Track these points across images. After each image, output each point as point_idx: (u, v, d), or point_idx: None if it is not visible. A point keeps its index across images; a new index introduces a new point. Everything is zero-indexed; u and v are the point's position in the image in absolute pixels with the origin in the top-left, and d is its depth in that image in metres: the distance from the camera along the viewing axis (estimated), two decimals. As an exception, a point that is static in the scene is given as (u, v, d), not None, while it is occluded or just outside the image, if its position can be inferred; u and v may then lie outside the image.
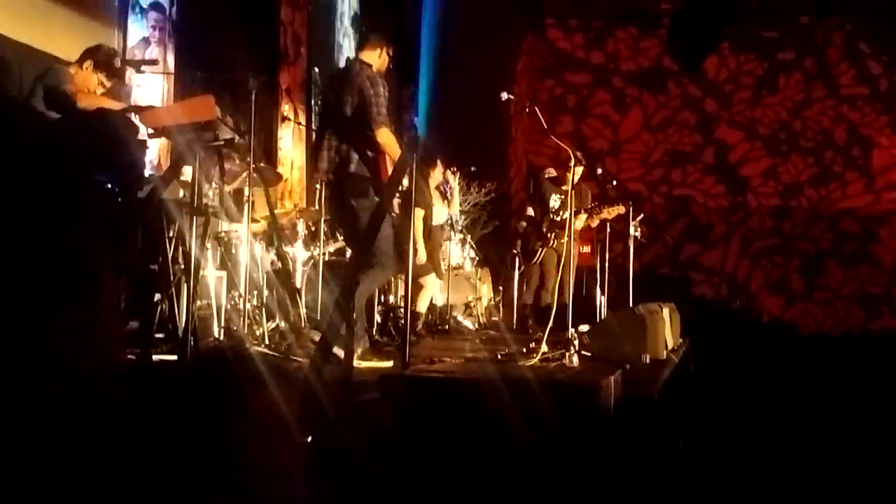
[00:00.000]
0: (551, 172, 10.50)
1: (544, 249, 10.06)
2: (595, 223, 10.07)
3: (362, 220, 6.01)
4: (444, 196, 9.72)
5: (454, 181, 9.97)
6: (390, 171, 5.98)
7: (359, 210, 6.07)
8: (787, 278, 17.27)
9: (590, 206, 10.10)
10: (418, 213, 8.22)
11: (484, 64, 14.28)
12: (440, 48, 14.23)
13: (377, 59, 6.36)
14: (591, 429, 4.09)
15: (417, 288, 8.45)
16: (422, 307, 8.84)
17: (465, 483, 3.94)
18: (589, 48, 18.06)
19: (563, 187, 10.04)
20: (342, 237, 6.70)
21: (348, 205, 6.15)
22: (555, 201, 10.11)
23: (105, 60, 6.01)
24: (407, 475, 3.85)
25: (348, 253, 8.36)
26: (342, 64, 12.17)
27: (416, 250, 6.91)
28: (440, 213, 9.52)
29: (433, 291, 9.21)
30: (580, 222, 9.64)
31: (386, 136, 6.06)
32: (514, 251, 10.55)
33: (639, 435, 4.60)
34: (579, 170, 9.24)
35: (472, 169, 11.46)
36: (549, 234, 9.99)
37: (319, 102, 7.05)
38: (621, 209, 10.08)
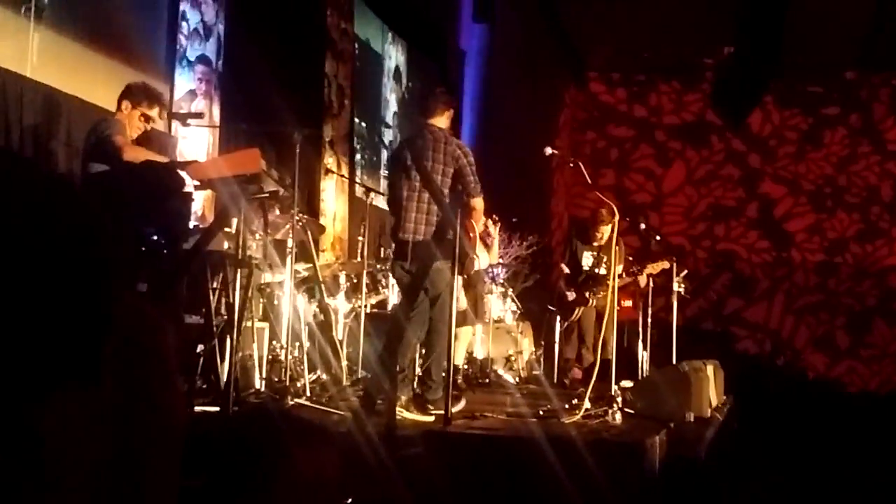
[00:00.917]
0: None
1: (582, 309, 10.00)
2: (644, 281, 9.99)
3: (446, 279, 6.24)
4: (484, 244, 9.71)
5: (495, 231, 9.96)
6: (473, 231, 6.73)
7: (440, 270, 6.30)
8: (833, 335, 17.03)
9: (631, 269, 10.03)
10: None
11: (526, 116, 14.31)
12: (483, 101, 14.29)
13: (447, 121, 6.65)
14: (638, 489, 4.02)
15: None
16: (457, 359, 8.79)
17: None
18: (632, 102, 18.05)
19: (595, 244, 9.99)
20: (404, 293, 6.87)
21: (432, 264, 6.33)
22: (587, 258, 10.05)
23: (138, 93, 6.02)
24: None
25: (389, 306, 8.36)
26: (388, 119, 12.27)
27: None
28: (481, 259, 9.50)
29: (467, 341, 9.17)
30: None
31: (481, 204, 6.52)
32: (550, 307, 10.49)
33: (685, 495, 4.52)
34: (607, 228, 9.22)
35: (514, 220, 11.44)
36: (586, 293, 9.94)
37: (389, 166, 7.33)
38: (666, 264, 10.00)
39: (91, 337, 0.80)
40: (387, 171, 11.99)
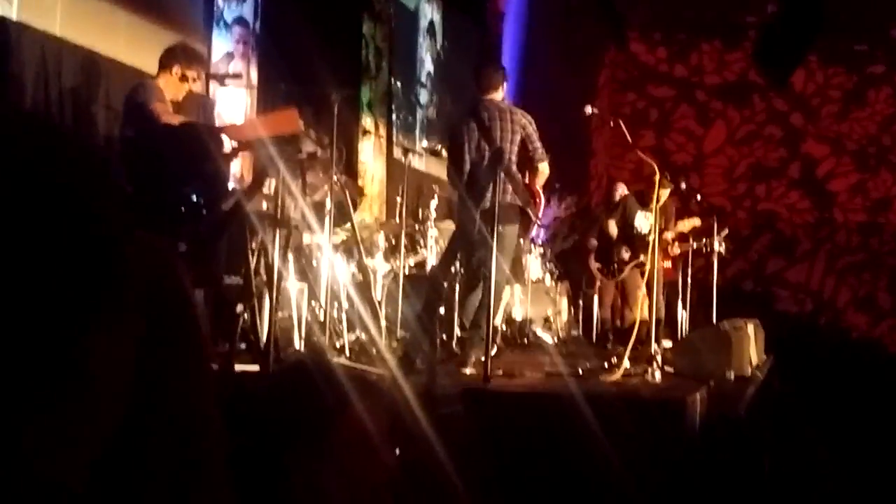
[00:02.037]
0: (622, 188, 10.41)
1: (632, 268, 9.94)
2: (671, 237, 9.92)
3: (506, 244, 6.53)
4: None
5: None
6: (540, 197, 7.00)
7: (504, 235, 6.47)
8: (875, 295, 16.86)
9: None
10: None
11: (566, 77, 14.20)
12: (522, 61, 14.20)
13: (502, 93, 7.01)
14: (678, 446, 4.01)
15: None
16: (496, 319, 8.79)
17: (548, 499, 3.89)
18: (672, 61, 17.84)
19: (652, 206, 9.91)
20: (467, 257, 7.05)
21: (496, 230, 6.37)
22: (641, 219, 9.96)
23: (178, 54, 6.01)
24: (490, 490, 3.81)
25: (427, 267, 8.37)
26: (423, 78, 12.21)
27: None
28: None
29: (506, 300, 9.16)
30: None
31: (547, 168, 6.93)
32: (595, 266, 10.44)
33: (725, 453, 4.50)
34: (666, 191, 9.13)
35: (557, 186, 11.39)
36: (640, 253, 9.86)
37: (448, 138, 7.46)
38: (696, 222, 9.94)
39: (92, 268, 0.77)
40: (425, 141, 11.96)
